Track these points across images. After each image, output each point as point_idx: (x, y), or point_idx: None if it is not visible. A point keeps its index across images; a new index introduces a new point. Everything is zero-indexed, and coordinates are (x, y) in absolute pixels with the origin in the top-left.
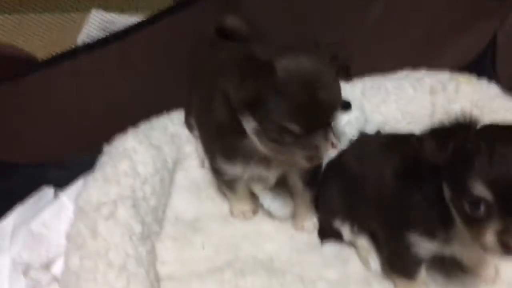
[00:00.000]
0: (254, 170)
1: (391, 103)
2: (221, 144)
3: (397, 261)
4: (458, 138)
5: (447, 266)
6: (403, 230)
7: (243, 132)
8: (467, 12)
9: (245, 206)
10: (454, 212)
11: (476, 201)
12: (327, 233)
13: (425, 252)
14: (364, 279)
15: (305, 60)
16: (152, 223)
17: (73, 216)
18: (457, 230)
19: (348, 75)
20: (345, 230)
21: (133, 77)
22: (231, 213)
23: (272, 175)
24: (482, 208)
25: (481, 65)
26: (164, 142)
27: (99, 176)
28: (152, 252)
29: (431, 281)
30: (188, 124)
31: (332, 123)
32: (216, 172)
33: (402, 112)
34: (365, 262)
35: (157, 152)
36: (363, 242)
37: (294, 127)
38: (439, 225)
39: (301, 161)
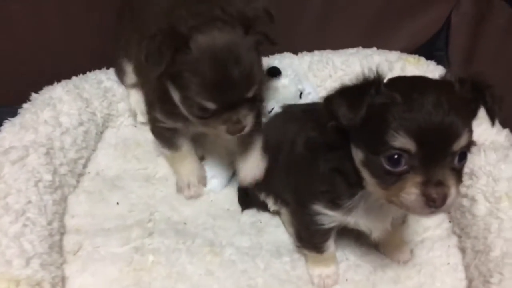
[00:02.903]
0: (195, 129)
1: (337, 78)
2: (161, 107)
3: (304, 232)
4: (369, 94)
5: (362, 246)
6: (309, 199)
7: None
8: None
9: (192, 174)
10: (366, 175)
11: (397, 155)
12: (248, 201)
13: (329, 221)
14: (276, 250)
15: (218, 35)
16: (67, 174)
17: None
18: (360, 197)
19: (272, 42)
20: (270, 202)
21: (72, 25)
22: (178, 188)
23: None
24: (403, 161)
25: (434, 48)
26: (95, 95)
27: (17, 122)
28: (60, 204)
29: (344, 259)
30: (119, 69)
31: (257, 95)
32: (155, 121)
33: None
34: (287, 226)
35: (85, 105)
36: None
37: (209, 104)
38: (342, 193)
39: (224, 134)
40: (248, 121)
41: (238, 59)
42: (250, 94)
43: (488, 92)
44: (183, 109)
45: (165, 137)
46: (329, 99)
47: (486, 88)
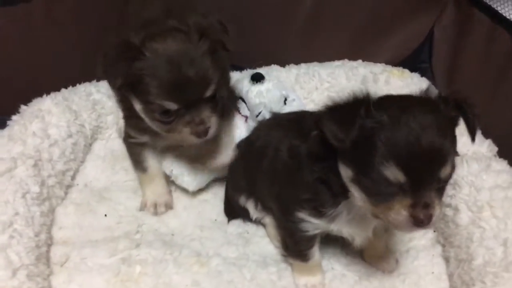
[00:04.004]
0: (163, 143)
1: (324, 90)
2: (129, 123)
3: (289, 239)
4: (360, 116)
5: (347, 256)
6: (293, 206)
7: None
8: (404, 6)
9: (158, 197)
10: (355, 191)
11: (387, 182)
12: (234, 212)
13: (313, 228)
14: (262, 261)
15: (172, 41)
16: (55, 186)
17: None
18: (343, 206)
19: (226, 49)
20: (251, 208)
21: (61, 37)
22: (143, 205)
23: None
24: (394, 187)
25: (418, 60)
26: (84, 108)
27: (5, 134)
28: (48, 215)
29: (329, 269)
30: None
31: (217, 97)
32: (128, 136)
33: None
34: (273, 239)
35: (73, 117)
36: (270, 220)
37: (169, 104)
38: (326, 202)
39: (190, 137)
40: (212, 123)
41: (193, 61)
42: (208, 93)
43: (470, 110)
44: (146, 119)
45: (134, 155)
46: (320, 119)
47: (468, 106)
